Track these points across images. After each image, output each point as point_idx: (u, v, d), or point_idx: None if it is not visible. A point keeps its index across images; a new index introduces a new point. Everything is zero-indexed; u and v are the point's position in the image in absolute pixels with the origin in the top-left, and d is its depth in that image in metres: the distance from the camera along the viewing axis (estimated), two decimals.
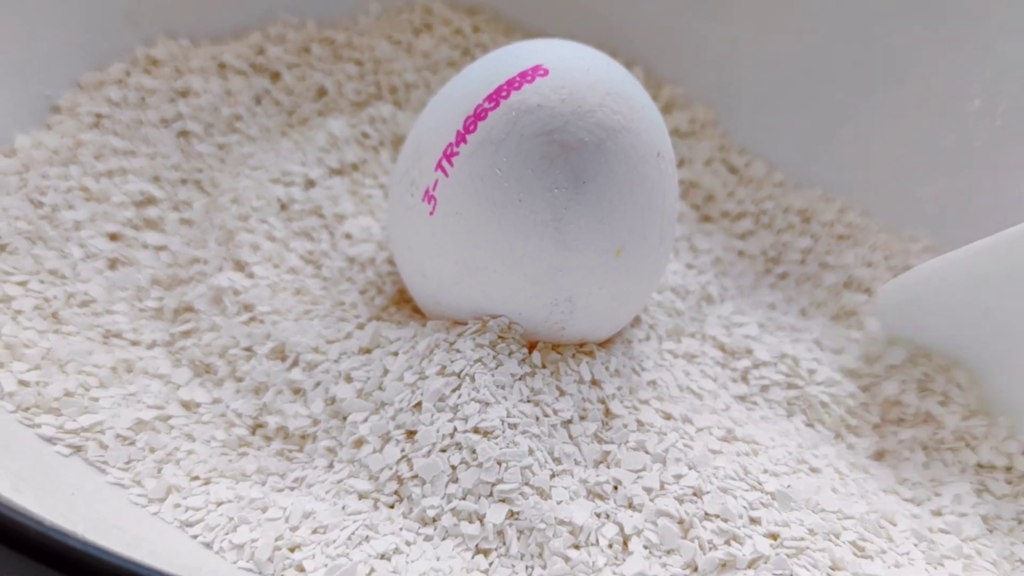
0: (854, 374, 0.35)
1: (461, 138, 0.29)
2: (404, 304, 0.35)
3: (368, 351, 0.32)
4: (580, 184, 0.28)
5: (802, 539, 0.27)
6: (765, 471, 0.29)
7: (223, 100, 0.40)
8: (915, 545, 0.29)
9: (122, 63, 0.40)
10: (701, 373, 0.33)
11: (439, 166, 0.29)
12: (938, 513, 0.31)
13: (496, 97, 0.28)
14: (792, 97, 0.44)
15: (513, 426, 0.29)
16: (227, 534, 0.27)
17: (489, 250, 0.29)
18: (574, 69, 0.29)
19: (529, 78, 0.28)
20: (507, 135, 0.28)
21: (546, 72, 0.29)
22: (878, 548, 0.28)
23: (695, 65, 0.45)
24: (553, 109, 0.28)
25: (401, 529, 0.27)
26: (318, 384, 0.31)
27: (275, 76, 0.42)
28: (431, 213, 0.30)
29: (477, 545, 0.27)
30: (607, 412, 0.30)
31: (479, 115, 0.29)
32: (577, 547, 0.27)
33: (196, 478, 0.29)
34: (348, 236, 0.37)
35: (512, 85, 0.28)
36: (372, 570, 0.26)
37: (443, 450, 0.28)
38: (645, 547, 0.27)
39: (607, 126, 0.28)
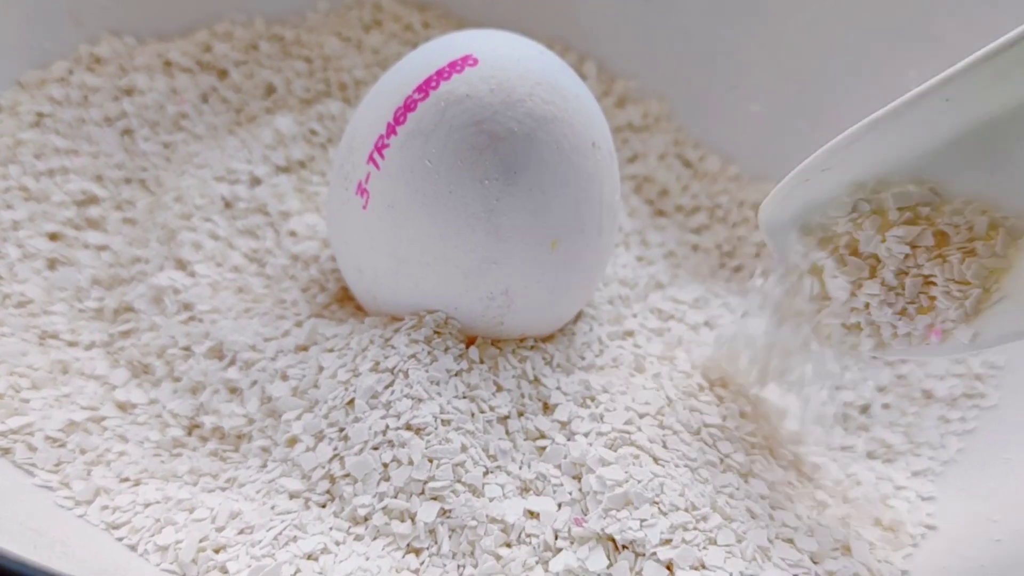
0: None
1: (391, 130, 0.28)
2: (347, 302, 0.35)
3: (305, 349, 0.31)
4: (511, 175, 0.28)
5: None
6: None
7: (169, 98, 0.40)
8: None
9: (65, 61, 0.39)
10: (634, 346, 0.33)
11: (371, 159, 0.29)
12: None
13: (426, 88, 0.28)
14: (747, 90, 0.43)
15: (447, 423, 0.28)
16: (152, 536, 0.26)
17: (421, 243, 0.29)
18: (504, 58, 0.28)
19: (459, 68, 0.28)
20: (436, 126, 0.28)
21: (476, 62, 0.28)
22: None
23: (649, 59, 0.44)
24: (482, 99, 0.28)
25: (331, 528, 0.27)
26: (254, 383, 0.31)
27: (222, 73, 0.41)
28: (364, 207, 0.29)
29: (408, 544, 0.27)
30: (546, 407, 0.30)
31: (409, 106, 0.28)
32: (509, 545, 0.26)
33: (126, 480, 0.29)
34: (293, 233, 0.36)
35: (441, 75, 0.28)
36: (298, 570, 0.25)
37: (375, 448, 0.28)
38: (572, 544, 0.26)
39: (537, 116, 0.28)
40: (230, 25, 0.43)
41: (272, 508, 0.27)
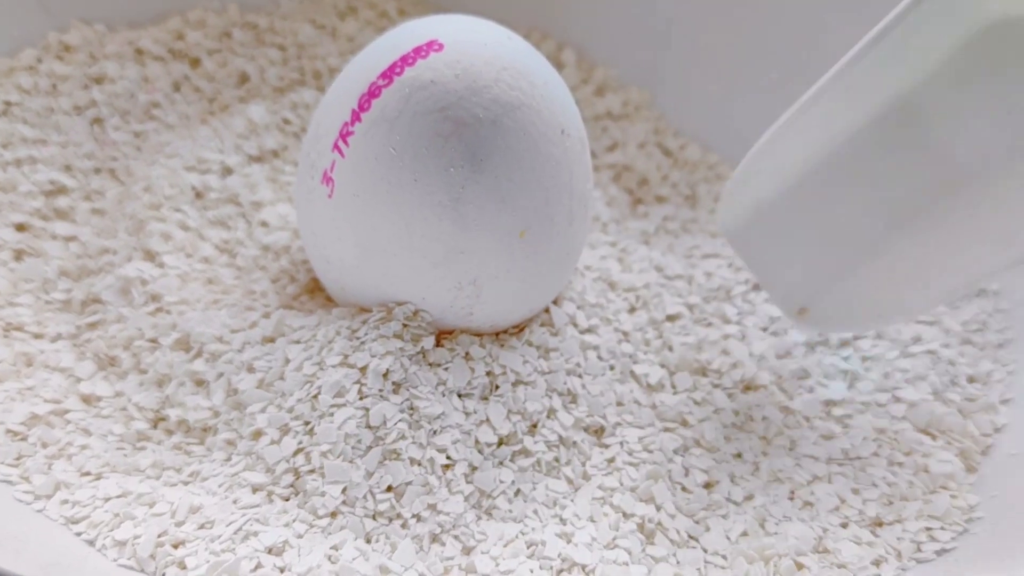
0: None
1: (356, 117, 0.28)
2: (318, 293, 0.34)
3: (272, 340, 0.31)
4: (477, 163, 0.27)
5: None
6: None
7: (139, 87, 0.39)
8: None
9: (34, 49, 0.39)
10: (608, 352, 0.32)
11: (336, 147, 0.28)
12: None
13: (390, 74, 0.27)
14: (727, 78, 0.43)
15: (413, 413, 0.28)
16: (111, 531, 0.26)
17: (387, 232, 0.28)
18: (470, 44, 0.28)
19: (423, 54, 0.27)
20: (400, 113, 0.27)
21: (441, 47, 0.28)
22: None
23: (629, 47, 0.44)
24: (446, 85, 0.27)
25: (294, 521, 0.26)
26: (220, 375, 0.30)
27: (195, 62, 0.41)
28: (330, 196, 0.29)
29: (368, 535, 0.26)
30: (514, 401, 0.29)
31: (373, 93, 0.28)
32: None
33: (87, 474, 0.28)
34: (264, 224, 0.36)
35: (406, 61, 0.27)
36: (258, 565, 0.25)
37: (343, 447, 0.27)
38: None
39: (503, 102, 0.27)
40: (203, 13, 0.42)
41: (235, 502, 0.27)
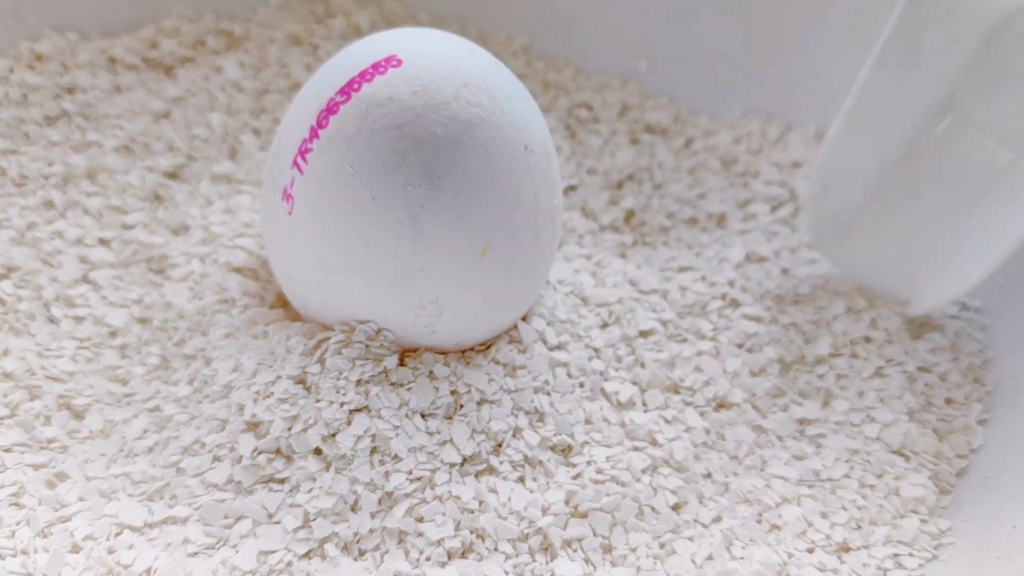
0: None
1: (314, 133, 0.27)
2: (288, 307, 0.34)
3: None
4: (435, 180, 0.27)
5: None
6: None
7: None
8: None
9: (5, 59, 0.39)
10: (578, 370, 0.32)
11: (295, 163, 0.28)
12: None
13: (348, 90, 0.27)
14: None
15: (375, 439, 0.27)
16: None
17: (346, 251, 0.28)
18: (430, 59, 0.27)
19: (382, 69, 0.27)
20: (358, 130, 0.27)
21: (400, 63, 0.27)
22: None
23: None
24: (404, 102, 0.27)
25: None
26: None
27: (168, 70, 0.40)
28: (290, 212, 0.28)
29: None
30: (479, 420, 0.29)
31: (331, 109, 0.27)
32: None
33: None
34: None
35: (364, 77, 0.27)
36: None
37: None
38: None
39: (462, 119, 0.27)
40: (177, 21, 0.42)
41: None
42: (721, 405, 0.32)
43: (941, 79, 0.30)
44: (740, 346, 0.34)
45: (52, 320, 0.32)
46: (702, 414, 0.32)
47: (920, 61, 0.30)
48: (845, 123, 0.33)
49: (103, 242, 0.34)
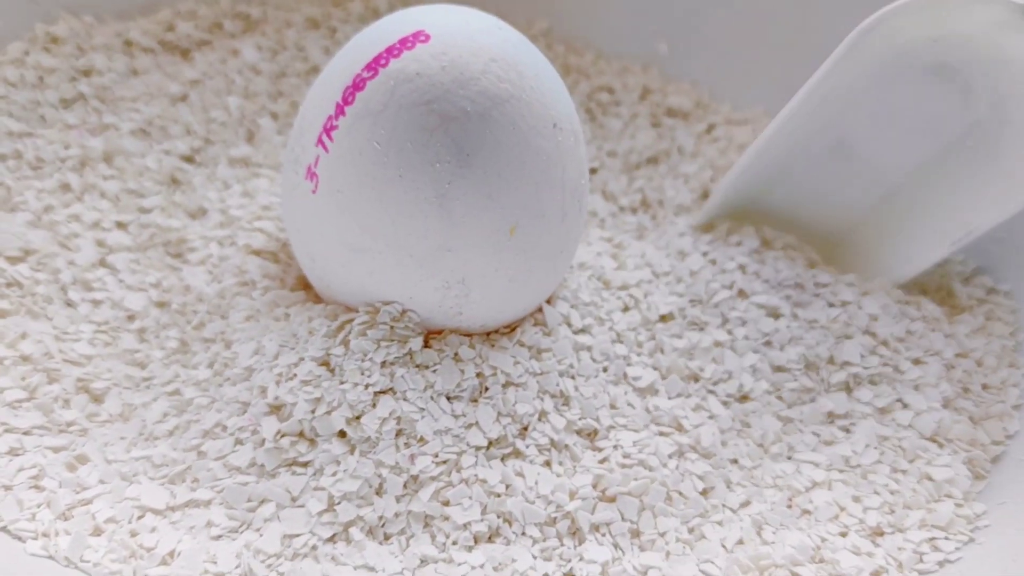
0: None
1: (340, 110, 0.27)
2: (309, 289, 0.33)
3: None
4: (464, 157, 0.26)
5: None
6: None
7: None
8: None
9: (20, 42, 0.38)
10: (602, 355, 0.31)
11: (319, 141, 0.28)
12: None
13: (375, 66, 0.27)
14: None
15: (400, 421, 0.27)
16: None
17: (372, 229, 0.27)
18: (457, 34, 0.27)
19: (409, 45, 0.27)
20: (385, 106, 0.26)
21: (427, 38, 0.27)
22: None
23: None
24: (432, 77, 0.26)
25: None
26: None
27: (185, 53, 0.40)
28: (314, 191, 0.28)
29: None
30: (504, 403, 0.29)
31: (357, 85, 0.27)
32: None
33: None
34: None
35: (392, 52, 0.27)
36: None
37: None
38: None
39: (492, 95, 0.26)
40: (194, 3, 0.41)
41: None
42: (745, 397, 0.32)
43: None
44: (764, 341, 0.33)
45: (69, 304, 0.32)
46: (725, 404, 0.31)
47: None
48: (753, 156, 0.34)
49: (120, 225, 0.34)
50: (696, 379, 0.32)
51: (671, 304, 0.33)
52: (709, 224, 0.36)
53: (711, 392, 0.32)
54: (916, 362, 0.32)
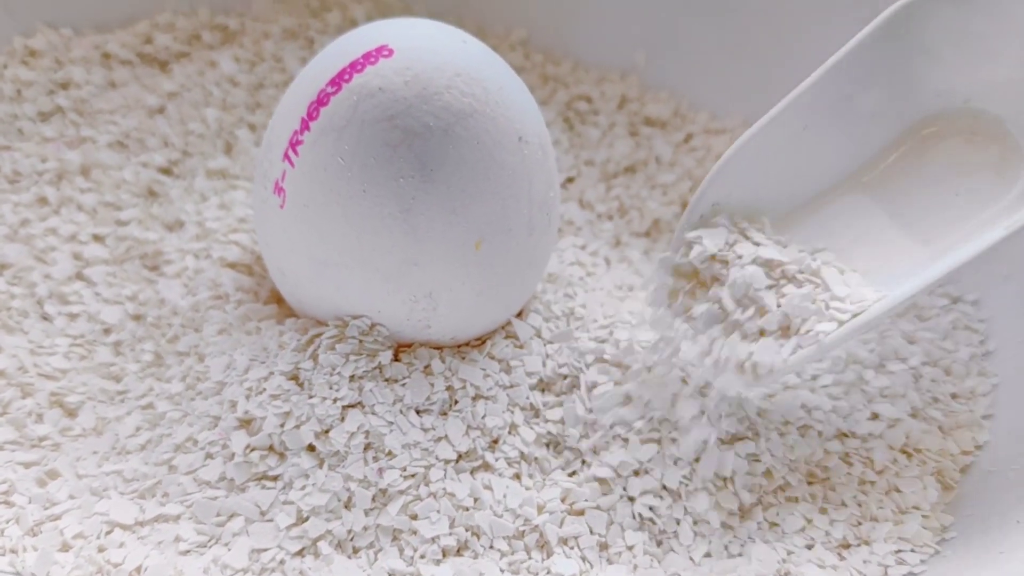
0: None
1: (305, 125, 0.27)
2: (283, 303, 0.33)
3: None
4: (427, 172, 0.26)
5: None
6: None
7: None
8: None
9: None
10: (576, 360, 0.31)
11: (286, 156, 0.28)
12: None
13: (338, 81, 0.27)
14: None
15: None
16: None
17: (338, 244, 0.27)
18: (421, 49, 0.27)
19: (373, 59, 0.27)
20: (349, 121, 0.26)
21: (391, 52, 0.27)
22: None
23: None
24: (395, 92, 0.26)
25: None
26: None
27: (163, 65, 0.40)
28: (281, 206, 0.28)
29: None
30: (474, 416, 0.29)
31: (322, 100, 0.27)
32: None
33: None
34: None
35: (355, 67, 0.27)
36: None
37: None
38: None
39: (455, 110, 0.26)
40: (172, 15, 0.41)
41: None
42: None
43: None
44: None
45: (45, 317, 0.32)
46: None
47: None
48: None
49: (97, 238, 0.34)
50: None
51: (640, 316, 0.33)
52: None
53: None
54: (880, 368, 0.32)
